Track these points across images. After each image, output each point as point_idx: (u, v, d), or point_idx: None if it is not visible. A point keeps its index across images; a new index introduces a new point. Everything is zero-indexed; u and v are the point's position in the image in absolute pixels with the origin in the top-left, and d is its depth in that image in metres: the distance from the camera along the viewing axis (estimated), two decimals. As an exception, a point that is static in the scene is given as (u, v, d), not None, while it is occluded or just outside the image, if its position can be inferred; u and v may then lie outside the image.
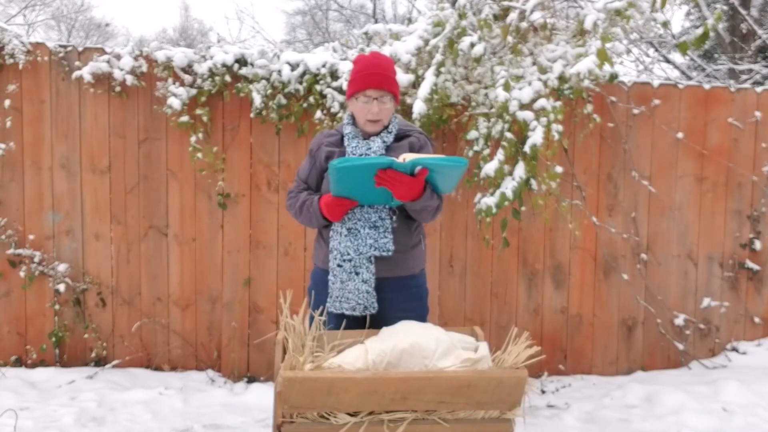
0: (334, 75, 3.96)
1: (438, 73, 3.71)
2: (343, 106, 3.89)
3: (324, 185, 2.42)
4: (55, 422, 3.35)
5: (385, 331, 2.16)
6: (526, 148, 3.45)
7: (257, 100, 3.88)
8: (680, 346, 4.35)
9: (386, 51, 3.82)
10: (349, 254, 2.32)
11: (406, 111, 3.82)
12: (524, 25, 3.84)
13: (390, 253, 2.31)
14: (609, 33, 3.63)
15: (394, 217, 2.36)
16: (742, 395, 3.74)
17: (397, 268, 2.38)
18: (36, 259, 3.99)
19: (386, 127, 2.42)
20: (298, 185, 2.52)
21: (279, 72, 3.93)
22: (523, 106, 3.53)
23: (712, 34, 3.45)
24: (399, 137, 2.43)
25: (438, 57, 3.71)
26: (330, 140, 2.47)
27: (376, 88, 2.34)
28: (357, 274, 2.32)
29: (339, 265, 2.34)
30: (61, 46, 4.01)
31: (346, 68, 3.86)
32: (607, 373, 4.33)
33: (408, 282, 2.41)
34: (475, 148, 3.69)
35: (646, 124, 4.27)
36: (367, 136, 2.42)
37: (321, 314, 2.27)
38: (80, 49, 4.01)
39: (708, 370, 4.28)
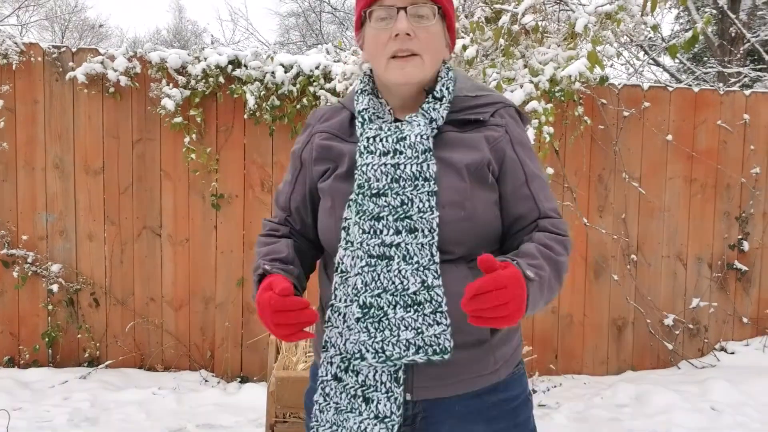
0: (327, 77, 3.98)
1: (430, 76, 3.73)
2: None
3: (320, 214, 1.31)
4: (48, 422, 3.35)
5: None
6: (518, 150, 3.48)
7: (251, 101, 3.90)
8: (669, 346, 4.40)
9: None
10: (358, 357, 1.19)
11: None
12: (516, 28, 3.87)
13: (448, 355, 1.16)
14: (599, 36, 3.67)
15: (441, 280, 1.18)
16: (731, 395, 3.79)
17: (459, 378, 1.23)
18: (29, 260, 3.99)
19: (431, 91, 1.28)
20: (276, 216, 1.42)
21: (272, 73, 3.95)
22: (514, 108, 3.56)
23: (701, 37, 3.49)
24: (463, 120, 1.27)
25: (430, 59, 3.73)
26: (329, 126, 1.34)
27: None
28: (367, 401, 1.21)
29: (336, 378, 1.24)
30: (54, 46, 4.01)
31: (339, 70, 3.88)
32: (598, 372, 4.37)
33: (486, 399, 1.26)
34: (467, 149, 3.72)
35: (636, 126, 4.31)
36: (398, 111, 1.30)
37: None
38: (74, 49, 4.02)
39: (697, 369, 4.33)
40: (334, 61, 4.03)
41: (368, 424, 1.20)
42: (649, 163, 4.35)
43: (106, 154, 4.05)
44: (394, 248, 1.17)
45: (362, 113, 1.27)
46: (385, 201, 1.19)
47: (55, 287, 4.01)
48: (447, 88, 1.26)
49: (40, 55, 3.98)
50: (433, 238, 1.17)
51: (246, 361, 4.17)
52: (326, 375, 1.25)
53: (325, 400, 1.25)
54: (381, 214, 1.19)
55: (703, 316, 4.47)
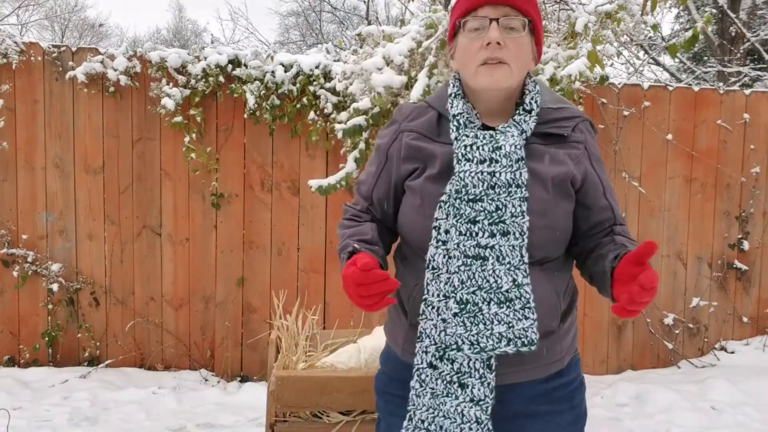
0: (327, 76, 3.98)
1: (431, 75, 3.73)
2: (337, 107, 3.91)
3: (406, 210, 1.38)
4: (48, 422, 3.35)
5: (378, 330, 2.18)
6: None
7: (251, 100, 3.90)
8: (669, 346, 4.40)
9: (379, 52, 3.84)
10: (455, 348, 1.29)
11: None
12: (516, 27, 3.87)
13: (534, 347, 1.28)
14: (599, 35, 3.67)
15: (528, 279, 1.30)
16: (731, 394, 3.79)
17: (533, 365, 1.36)
18: (29, 259, 3.99)
19: (522, 105, 1.36)
20: (357, 203, 1.50)
21: (272, 73, 3.95)
22: (514, 108, 3.56)
23: (701, 36, 3.49)
24: (547, 133, 1.36)
25: (431, 59, 3.73)
26: (418, 125, 1.40)
27: (497, 3, 1.32)
28: (463, 387, 1.31)
29: (432, 366, 1.33)
30: (54, 46, 4.01)
31: (339, 69, 3.88)
32: (598, 372, 4.37)
33: (552, 384, 1.39)
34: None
35: (636, 125, 4.31)
36: (484, 116, 1.38)
37: None
38: (74, 49, 4.02)
39: (697, 369, 4.33)
40: (334, 61, 4.03)
41: (465, 407, 1.31)
42: (649, 163, 4.35)
43: (106, 154, 4.04)
44: (488, 249, 1.28)
45: (457, 117, 1.34)
46: (481, 206, 1.28)
47: (55, 287, 4.00)
48: (536, 102, 1.35)
49: (40, 54, 3.98)
50: (523, 240, 1.27)
51: (246, 360, 4.17)
52: (422, 363, 1.33)
53: (421, 386, 1.34)
54: (477, 218, 1.28)
55: (703, 316, 4.47)
